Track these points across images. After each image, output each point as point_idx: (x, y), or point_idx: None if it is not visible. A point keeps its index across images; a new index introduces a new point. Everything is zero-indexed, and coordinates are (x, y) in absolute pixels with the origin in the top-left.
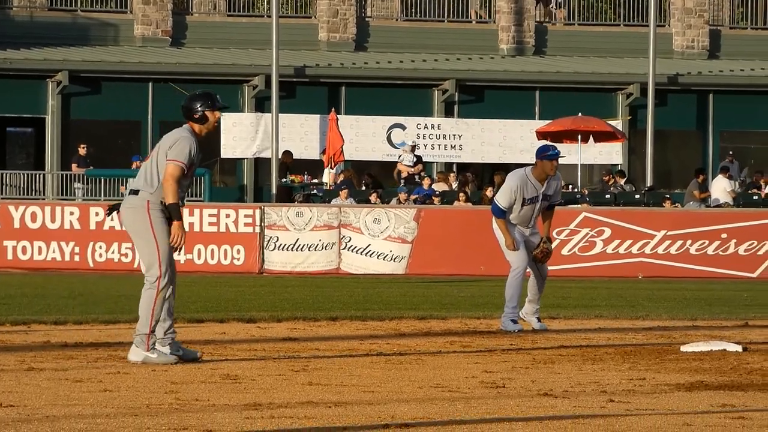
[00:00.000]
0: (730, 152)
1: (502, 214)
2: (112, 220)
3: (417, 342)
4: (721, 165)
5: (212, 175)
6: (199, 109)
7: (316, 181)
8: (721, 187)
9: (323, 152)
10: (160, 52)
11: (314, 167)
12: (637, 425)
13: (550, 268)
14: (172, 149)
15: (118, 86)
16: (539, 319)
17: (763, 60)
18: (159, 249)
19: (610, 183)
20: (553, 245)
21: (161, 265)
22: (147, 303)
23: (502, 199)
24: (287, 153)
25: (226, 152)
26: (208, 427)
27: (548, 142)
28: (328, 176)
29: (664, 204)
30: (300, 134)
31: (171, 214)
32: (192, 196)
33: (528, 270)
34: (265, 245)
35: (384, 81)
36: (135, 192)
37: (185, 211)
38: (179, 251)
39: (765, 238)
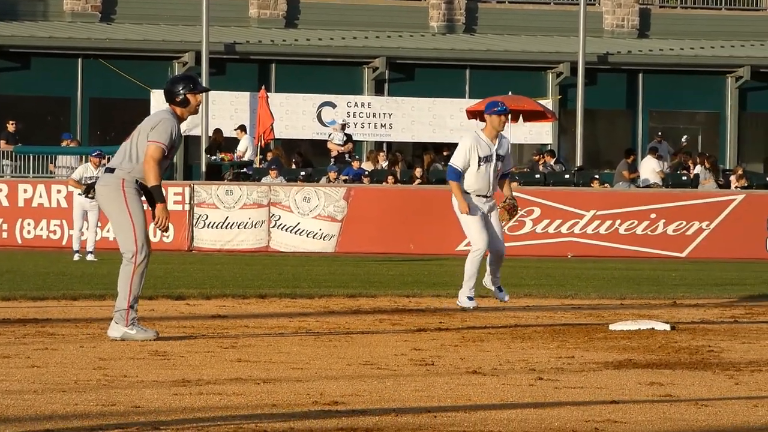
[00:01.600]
0: (659, 132)
1: (457, 176)
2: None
3: (346, 320)
4: (650, 145)
5: None
6: (181, 92)
7: (243, 157)
8: (650, 168)
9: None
10: (90, 28)
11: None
12: (565, 403)
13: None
14: (154, 130)
15: (48, 62)
16: (500, 289)
17: (692, 39)
18: (134, 225)
19: (540, 162)
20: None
21: (137, 241)
22: (125, 279)
23: (457, 159)
24: (218, 131)
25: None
26: (136, 403)
27: (496, 99)
28: (250, 151)
29: (593, 184)
30: (230, 112)
31: (154, 196)
32: None
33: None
34: (194, 223)
35: (314, 58)
36: (111, 170)
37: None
38: (166, 232)
39: (693, 218)
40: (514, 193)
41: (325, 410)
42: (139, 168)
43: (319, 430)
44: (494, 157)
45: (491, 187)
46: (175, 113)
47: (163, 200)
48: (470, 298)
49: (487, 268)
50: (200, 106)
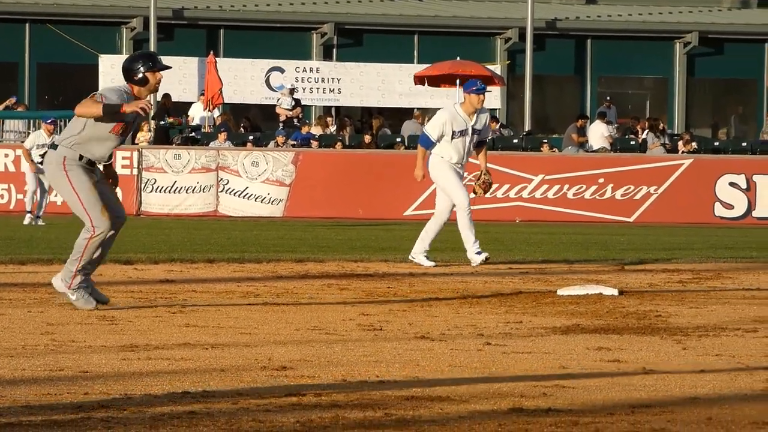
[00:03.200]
0: (608, 98)
1: (428, 144)
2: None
3: (294, 284)
4: (599, 110)
5: None
6: (140, 69)
7: (192, 120)
8: (598, 133)
9: (202, 94)
10: None
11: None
12: (513, 368)
13: (432, 210)
14: (102, 90)
15: None
16: (427, 256)
17: (641, 5)
18: (82, 202)
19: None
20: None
21: (91, 219)
22: (79, 243)
23: (431, 129)
24: (167, 96)
25: None
26: (84, 368)
27: (475, 79)
28: (201, 118)
29: (542, 149)
30: (178, 77)
31: (114, 109)
32: None
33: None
34: (142, 187)
35: (263, 24)
36: (54, 147)
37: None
38: (147, 115)
39: (641, 183)
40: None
41: (273, 375)
42: (85, 140)
43: (268, 395)
44: (470, 131)
45: (464, 159)
46: (131, 91)
47: (120, 106)
48: (478, 253)
49: (425, 234)
50: (159, 84)
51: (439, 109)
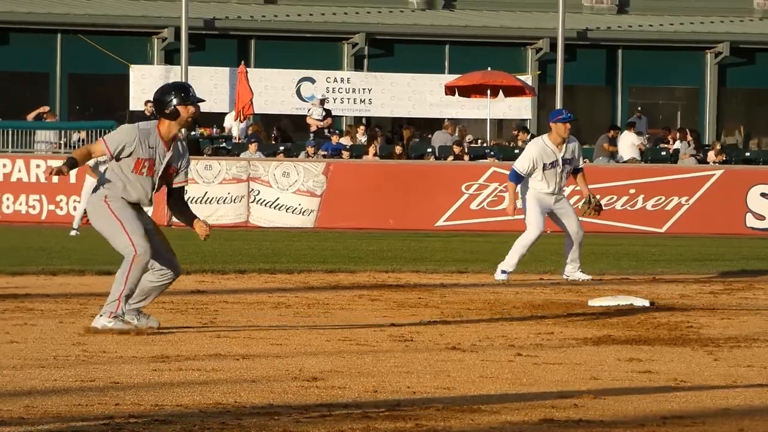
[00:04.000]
0: (639, 108)
1: (516, 179)
2: None
3: (325, 295)
4: (629, 120)
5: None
6: (173, 101)
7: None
8: (628, 143)
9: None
10: (69, 3)
11: (223, 121)
12: (545, 379)
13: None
14: (113, 132)
15: (27, 37)
16: (582, 271)
17: (672, 15)
18: (124, 227)
19: (519, 138)
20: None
21: (133, 242)
22: (120, 272)
23: (520, 165)
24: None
25: (135, 105)
26: (115, 378)
27: (560, 108)
28: (236, 129)
29: None
30: (209, 87)
31: (69, 162)
32: None
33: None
34: None
35: (293, 34)
36: (95, 189)
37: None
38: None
39: (672, 193)
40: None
41: (304, 386)
42: (116, 183)
43: (299, 406)
44: (560, 162)
45: (558, 188)
46: (156, 127)
47: (68, 169)
48: (504, 272)
49: (568, 259)
50: (191, 118)
51: (469, 119)
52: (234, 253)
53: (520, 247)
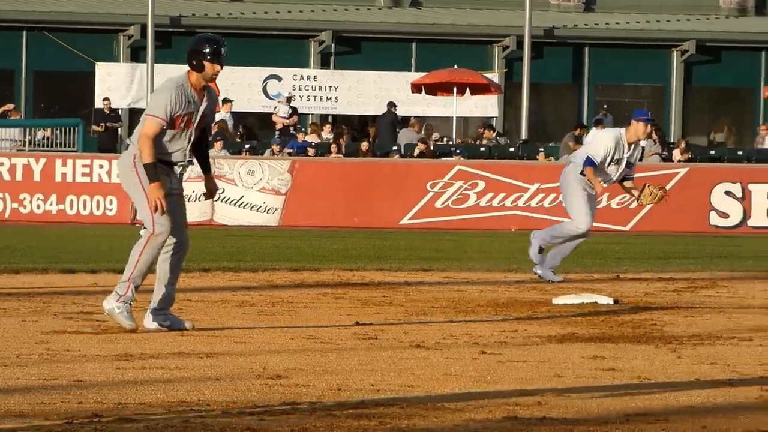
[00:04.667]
0: (604, 105)
1: (594, 165)
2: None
3: (290, 293)
4: (595, 118)
5: (86, 126)
6: (201, 56)
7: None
8: None
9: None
10: (35, 0)
11: None
12: (509, 376)
13: (428, 219)
14: (151, 102)
15: None
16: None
17: (638, 13)
18: (150, 205)
19: (485, 136)
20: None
21: (153, 219)
22: (135, 248)
23: (595, 153)
24: None
25: (101, 102)
26: (78, 377)
27: (644, 109)
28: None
29: (538, 157)
30: None
31: (147, 174)
32: (65, 146)
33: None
34: None
35: (260, 32)
36: (127, 146)
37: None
38: (161, 213)
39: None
40: None
41: (268, 384)
42: (157, 143)
43: (263, 404)
44: (624, 162)
45: (608, 184)
46: (188, 78)
47: (154, 179)
48: (553, 272)
49: (557, 249)
50: (215, 76)
51: (436, 116)
52: (198, 251)
53: (563, 245)
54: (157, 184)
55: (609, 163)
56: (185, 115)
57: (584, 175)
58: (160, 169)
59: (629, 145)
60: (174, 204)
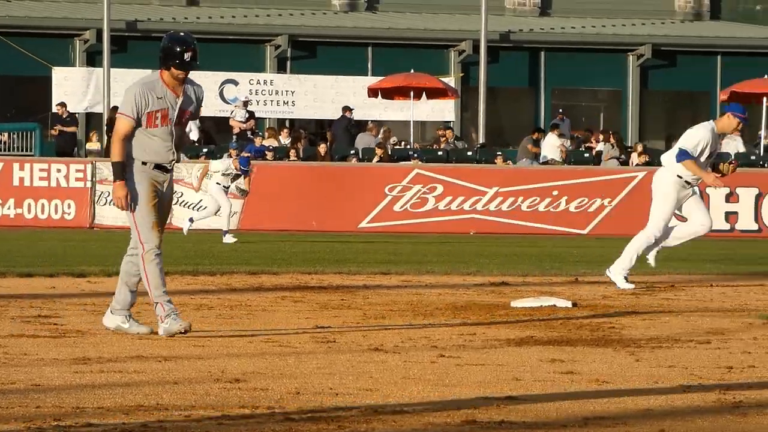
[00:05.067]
0: (560, 110)
1: (691, 158)
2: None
3: (248, 297)
4: (552, 122)
5: (43, 130)
6: (168, 58)
7: None
8: (551, 145)
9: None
10: None
11: None
12: (467, 380)
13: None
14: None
15: None
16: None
17: (594, 18)
18: (135, 221)
19: (446, 138)
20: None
21: (143, 243)
22: (142, 277)
23: (691, 146)
24: (114, 108)
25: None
26: (36, 381)
27: (739, 104)
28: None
29: (496, 161)
30: None
31: (114, 172)
32: (23, 150)
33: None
34: (96, 200)
35: (216, 36)
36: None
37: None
38: (123, 210)
39: (595, 195)
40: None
41: (227, 388)
42: (141, 148)
43: (221, 408)
44: (713, 155)
45: (696, 179)
46: (160, 77)
47: (120, 178)
48: (626, 279)
49: (675, 234)
50: (180, 78)
51: (393, 121)
52: None
53: (637, 246)
54: (121, 183)
55: (704, 155)
56: (157, 111)
57: (680, 177)
58: (156, 174)
59: (719, 138)
60: (161, 211)
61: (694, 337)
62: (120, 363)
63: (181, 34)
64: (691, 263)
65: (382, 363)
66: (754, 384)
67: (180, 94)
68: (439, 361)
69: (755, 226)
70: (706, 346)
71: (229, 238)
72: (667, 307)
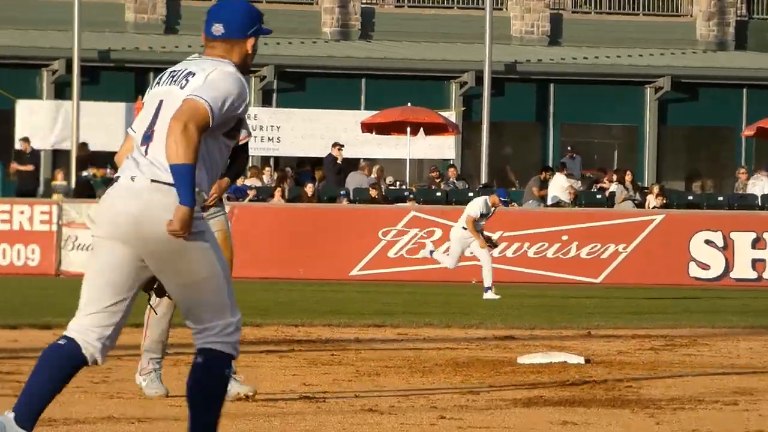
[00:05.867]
0: (569, 147)
1: None
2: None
3: None
4: (561, 161)
5: (5, 167)
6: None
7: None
8: (559, 185)
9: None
10: None
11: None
12: None
13: (380, 270)
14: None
15: None
16: None
17: (607, 47)
18: None
19: (438, 180)
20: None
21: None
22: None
23: None
24: (82, 145)
25: (20, 144)
26: None
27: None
28: None
29: None
30: (104, 124)
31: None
32: None
33: None
34: (63, 245)
35: None
36: None
37: None
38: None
39: (609, 240)
40: None
41: None
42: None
43: None
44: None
45: None
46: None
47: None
48: None
49: None
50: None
51: (388, 158)
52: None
53: None
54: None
55: None
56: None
57: None
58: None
59: None
60: None
61: (720, 398)
62: (89, 425)
63: None
64: (714, 315)
65: (376, 425)
66: None
67: None
68: (439, 423)
69: None
70: (733, 407)
71: (491, 294)
72: (690, 363)
